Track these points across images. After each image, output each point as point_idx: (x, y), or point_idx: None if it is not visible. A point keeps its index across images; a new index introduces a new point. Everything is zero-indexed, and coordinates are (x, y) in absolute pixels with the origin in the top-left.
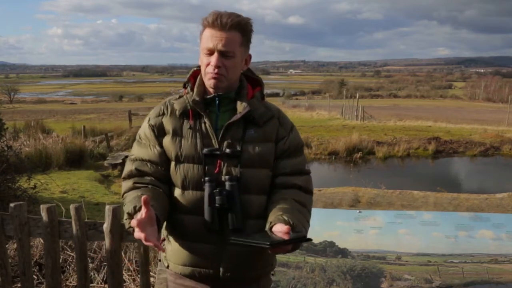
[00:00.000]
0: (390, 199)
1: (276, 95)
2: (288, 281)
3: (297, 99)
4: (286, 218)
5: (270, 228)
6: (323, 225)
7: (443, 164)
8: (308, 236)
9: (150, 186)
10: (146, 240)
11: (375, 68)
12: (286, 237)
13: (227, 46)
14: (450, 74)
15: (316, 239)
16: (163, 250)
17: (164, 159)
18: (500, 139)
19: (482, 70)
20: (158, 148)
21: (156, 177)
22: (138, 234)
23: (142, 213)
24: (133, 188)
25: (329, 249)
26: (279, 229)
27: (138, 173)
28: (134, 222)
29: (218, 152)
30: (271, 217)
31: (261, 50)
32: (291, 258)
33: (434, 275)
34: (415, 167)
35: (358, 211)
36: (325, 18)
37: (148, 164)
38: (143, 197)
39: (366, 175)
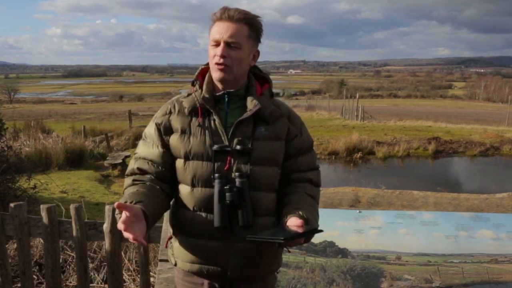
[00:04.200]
0: (390, 199)
1: (276, 95)
2: (288, 281)
3: (297, 99)
4: (300, 213)
5: (284, 222)
6: (323, 225)
7: (443, 164)
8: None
9: (148, 183)
10: (134, 239)
11: (375, 68)
12: (300, 230)
13: (233, 36)
14: (450, 74)
15: (316, 239)
16: (145, 244)
17: (166, 160)
18: (500, 139)
19: (482, 70)
20: (160, 148)
21: (156, 176)
22: (125, 234)
23: (123, 215)
24: (131, 185)
25: (329, 249)
26: (293, 223)
27: (139, 172)
28: (119, 225)
29: (228, 149)
30: (285, 210)
31: (261, 50)
32: (291, 258)
33: (434, 275)
34: (415, 167)
35: (358, 211)
36: (325, 18)
37: (150, 163)
38: (115, 204)
39: (366, 175)
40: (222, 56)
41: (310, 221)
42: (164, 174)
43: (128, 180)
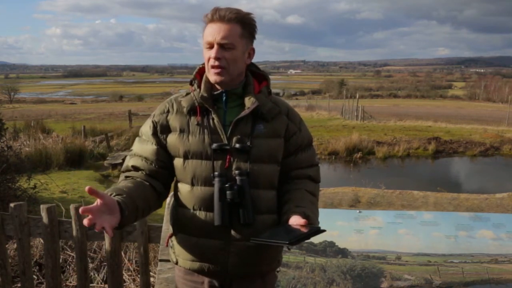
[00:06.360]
0: (390, 199)
1: (276, 95)
2: (288, 281)
3: (297, 99)
4: (303, 211)
5: (286, 220)
6: (323, 225)
7: (443, 164)
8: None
9: (138, 179)
10: (97, 228)
11: (375, 68)
12: (303, 229)
13: (226, 38)
14: (450, 74)
15: (316, 239)
16: (110, 235)
17: (159, 157)
18: (500, 139)
19: (482, 70)
20: (154, 145)
21: (148, 173)
22: (85, 221)
23: (96, 202)
24: (123, 181)
25: (329, 249)
26: (296, 222)
27: (133, 169)
28: (80, 209)
29: (227, 147)
30: (286, 208)
31: (261, 50)
32: (291, 258)
33: (434, 275)
34: (415, 167)
35: (358, 211)
36: (324, 17)
37: (143, 160)
38: (86, 187)
39: (366, 175)
40: (217, 58)
41: (311, 219)
42: (157, 172)
43: (121, 177)
